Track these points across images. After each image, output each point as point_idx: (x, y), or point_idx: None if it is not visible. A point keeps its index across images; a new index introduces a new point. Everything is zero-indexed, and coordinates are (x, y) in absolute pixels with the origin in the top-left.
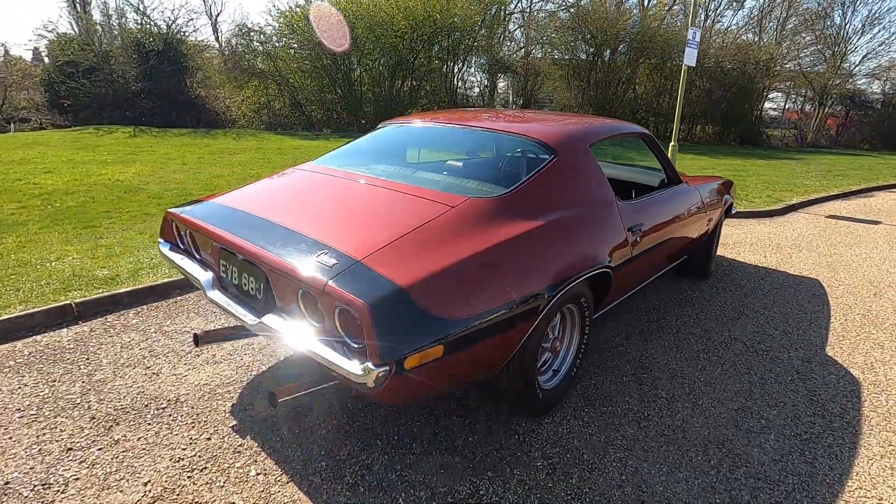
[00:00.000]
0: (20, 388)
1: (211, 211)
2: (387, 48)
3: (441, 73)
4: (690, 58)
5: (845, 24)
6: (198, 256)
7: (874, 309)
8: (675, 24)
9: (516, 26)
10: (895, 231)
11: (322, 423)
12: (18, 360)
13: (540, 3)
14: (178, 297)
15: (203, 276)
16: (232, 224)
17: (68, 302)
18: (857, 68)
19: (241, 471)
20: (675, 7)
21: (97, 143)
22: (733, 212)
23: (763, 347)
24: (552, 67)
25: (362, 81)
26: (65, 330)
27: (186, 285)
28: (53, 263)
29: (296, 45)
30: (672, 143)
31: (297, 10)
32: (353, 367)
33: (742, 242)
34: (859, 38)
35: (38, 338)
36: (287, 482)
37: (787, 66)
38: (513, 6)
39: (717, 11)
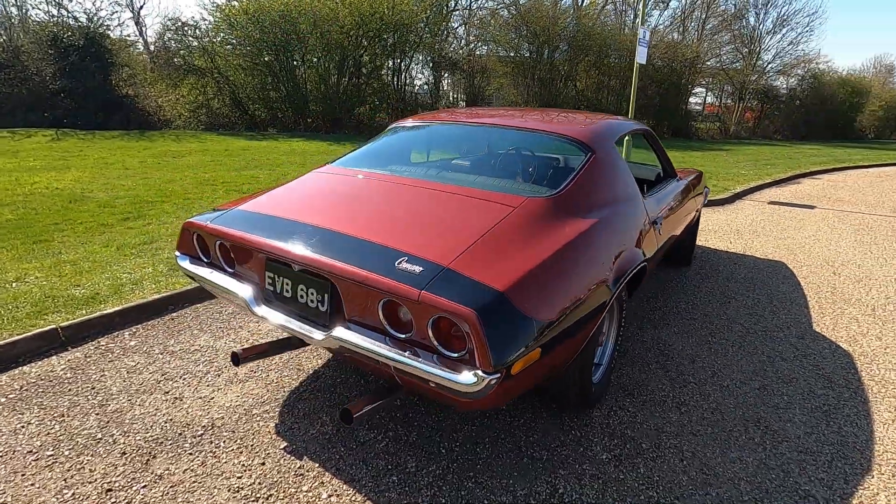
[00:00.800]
0: (23, 427)
1: (250, 220)
2: (332, 44)
3: (389, 69)
4: (641, 56)
5: (759, 25)
6: (229, 270)
7: (838, 286)
8: (609, 23)
9: (458, 24)
10: (830, 214)
11: (378, 437)
12: (10, 396)
13: (481, 1)
14: (174, 314)
15: (243, 291)
16: (284, 234)
17: (53, 327)
18: (770, 66)
19: (310, 494)
20: (608, 7)
21: (17, 148)
22: (706, 201)
23: (760, 328)
24: (498, 65)
25: (307, 79)
26: (54, 358)
27: (180, 300)
28: (15, 285)
29: (234, 41)
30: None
31: (235, 3)
32: (462, 376)
33: (706, 230)
34: (771, 38)
35: (26, 369)
36: (363, 501)
37: (709, 63)
38: (454, 3)
39: (646, 11)
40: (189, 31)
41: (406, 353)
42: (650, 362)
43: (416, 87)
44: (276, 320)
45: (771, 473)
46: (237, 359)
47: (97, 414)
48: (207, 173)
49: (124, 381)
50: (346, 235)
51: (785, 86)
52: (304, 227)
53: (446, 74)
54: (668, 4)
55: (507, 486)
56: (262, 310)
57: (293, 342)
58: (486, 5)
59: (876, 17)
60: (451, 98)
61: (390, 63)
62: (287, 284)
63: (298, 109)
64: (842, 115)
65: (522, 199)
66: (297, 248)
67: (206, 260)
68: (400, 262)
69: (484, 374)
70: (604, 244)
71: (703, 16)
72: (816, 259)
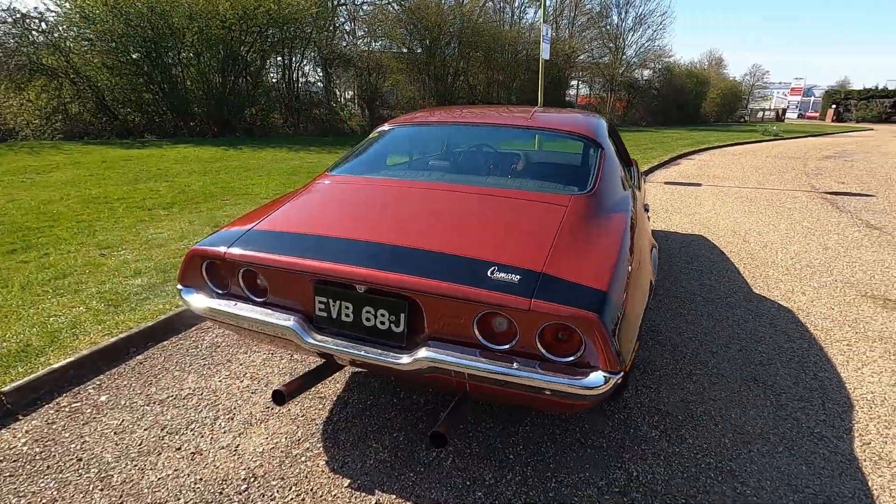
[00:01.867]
0: None
1: (286, 241)
2: (213, 40)
3: (278, 67)
4: (545, 52)
5: (621, 23)
6: (258, 300)
7: (754, 252)
8: (494, 20)
9: (345, 19)
10: (715, 190)
11: (439, 454)
12: None
13: None
14: (139, 356)
15: (284, 321)
16: (338, 253)
17: None
18: (633, 60)
19: None
20: (488, 5)
21: None
22: None
23: (715, 297)
24: (392, 61)
25: (186, 78)
26: (5, 432)
27: (142, 340)
28: None
29: (93, 37)
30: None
31: None
32: (589, 380)
33: None
34: (632, 35)
35: None
36: None
37: (581, 57)
38: None
39: (521, 9)
40: (32, 25)
41: (514, 365)
42: (645, 339)
43: (311, 86)
44: (336, 349)
45: (787, 423)
46: (282, 397)
47: (102, 490)
48: (93, 190)
49: (117, 446)
50: (419, 249)
51: (645, 78)
52: (360, 245)
53: (342, 71)
54: (542, 3)
55: (587, 479)
56: (316, 340)
57: (329, 368)
58: (373, 1)
59: (708, 17)
60: (347, 96)
61: (280, 60)
62: (347, 308)
63: (179, 112)
64: (690, 103)
65: (568, 197)
66: (364, 268)
67: (220, 292)
68: (492, 273)
69: (610, 375)
70: (642, 232)
71: (573, 14)
72: (725, 230)
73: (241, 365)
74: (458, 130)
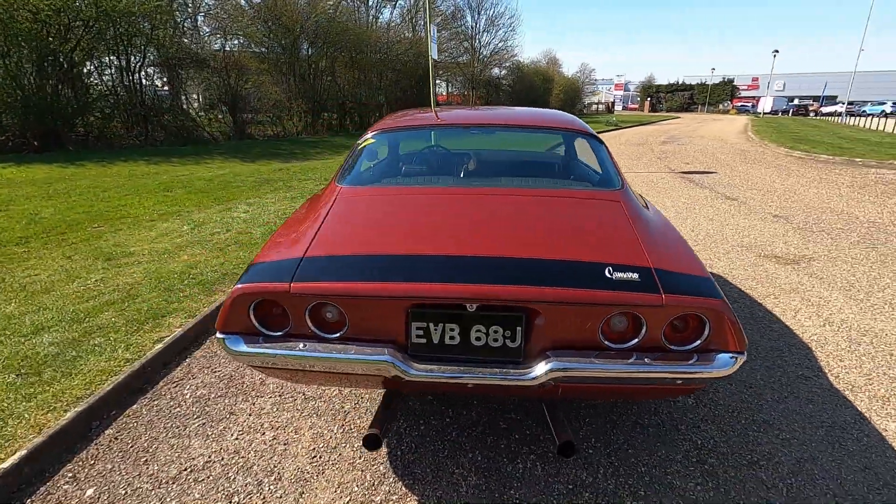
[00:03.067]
0: None
1: (361, 266)
2: (25, 36)
3: (115, 69)
4: (434, 51)
5: (475, 24)
6: (332, 336)
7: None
8: (352, 19)
9: (186, 15)
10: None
11: (527, 463)
12: None
13: None
14: (107, 431)
15: (378, 356)
16: (438, 272)
17: None
18: (488, 59)
19: None
20: (343, 4)
21: None
22: None
23: None
24: (253, 61)
25: None
26: None
27: (103, 411)
28: None
29: None
30: None
31: None
32: (719, 363)
33: None
34: (485, 35)
35: None
36: None
37: (443, 56)
38: None
39: (376, 7)
40: None
41: (647, 361)
42: None
43: (157, 90)
44: (449, 378)
45: (777, 372)
46: (377, 440)
47: None
48: None
49: None
50: (526, 259)
51: (500, 75)
52: (460, 260)
53: (190, 73)
54: (395, 3)
55: (667, 457)
56: (421, 371)
57: (396, 397)
58: None
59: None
60: (200, 100)
61: (115, 61)
62: (452, 331)
63: None
64: (540, 98)
65: (611, 192)
66: (475, 284)
67: (277, 333)
68: (610, 273)
69: (738, 354)
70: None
71: (427, 14)
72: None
73: (249, 415)
74: (458, 134)
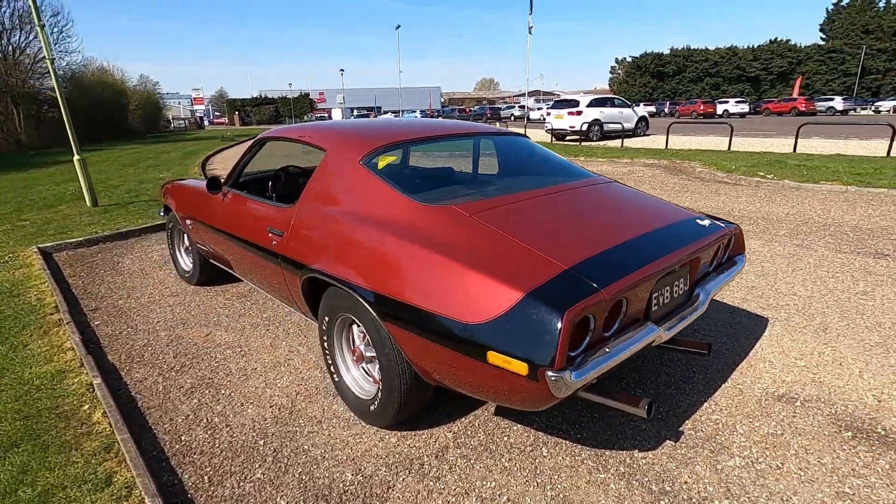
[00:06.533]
0: None
1: (611, 260)
2: None
3: None
4: None
5: None
6: (614, 328)
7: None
8: None
9: None
10: None
11: (617, 442)
12: None
13: None
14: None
15: (651, 331)
16: (647, 251)
17: None
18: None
19: None
20: None
21: None
22: None
23: None
24: None
25: None
26: None
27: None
28: None
29: None
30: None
31: None
32: (741, 262)
33: None
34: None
35: None
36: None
37: None
38: None
39: None
40: None
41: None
42: None
43: None
44: (677, 330)
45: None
46: (651, 406)
47: None
48: None
49: None
50: (648, 232)
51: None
52: (639, 241)
53: None
54: None
55: (701, 417)
56: (666, 331)
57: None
58: None
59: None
60: None
61: None
62: (667, 291)
63: None
64: (117, 115)
65: (603, 178)
66: (675, 250)
67: (580, 349)
68: (701, 222)
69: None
70: None
71: None
72: None
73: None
74: (434, 143)
